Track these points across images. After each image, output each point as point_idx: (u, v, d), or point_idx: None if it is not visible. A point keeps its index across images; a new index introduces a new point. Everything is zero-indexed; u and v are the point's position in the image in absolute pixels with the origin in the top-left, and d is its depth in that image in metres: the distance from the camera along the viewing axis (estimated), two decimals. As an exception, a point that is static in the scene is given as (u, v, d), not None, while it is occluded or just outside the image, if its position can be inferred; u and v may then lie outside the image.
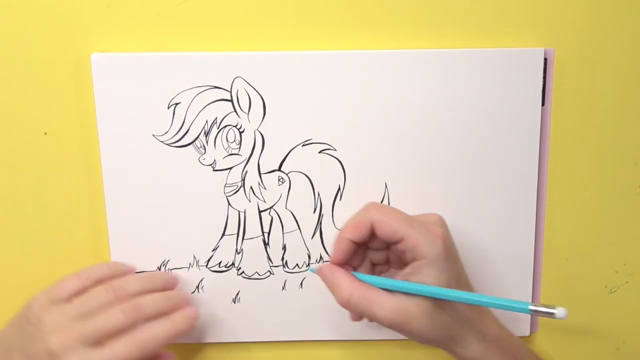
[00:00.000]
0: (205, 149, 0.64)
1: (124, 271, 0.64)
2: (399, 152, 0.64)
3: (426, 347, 0.69)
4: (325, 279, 0.58)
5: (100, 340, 0.57)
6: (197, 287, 0.67)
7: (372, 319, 0.57)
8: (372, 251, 0.61)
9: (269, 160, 0.65)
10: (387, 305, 0.55)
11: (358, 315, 0.62)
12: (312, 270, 0.60)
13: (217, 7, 0.62)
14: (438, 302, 0.56)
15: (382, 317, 0.56)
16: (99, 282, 0.62)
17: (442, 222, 0.60)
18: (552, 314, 0.52)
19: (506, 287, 0.67)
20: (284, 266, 0.67)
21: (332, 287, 0.58)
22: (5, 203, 0.66)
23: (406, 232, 0.56)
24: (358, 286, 0.56)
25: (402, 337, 0.68)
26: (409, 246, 0.56)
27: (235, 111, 0.63)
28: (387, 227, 0.56)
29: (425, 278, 0.56)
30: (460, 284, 0.58)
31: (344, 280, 0.57)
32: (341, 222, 0.65)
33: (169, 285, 0.65)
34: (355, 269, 0.61)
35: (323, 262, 0.67)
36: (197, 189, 0.65)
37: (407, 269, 0.57)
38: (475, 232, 0.66)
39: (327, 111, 0.63)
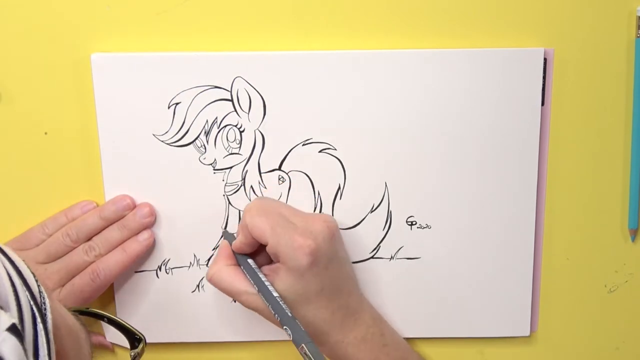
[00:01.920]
0: (205, 148, 0.64)
1: (81, 214, 0.65)
2: (399, 152, 0.64)
3: (426, 346, 0.69)
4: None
5: (63, 280, 0.63)
6: (198, 286, 0.67)
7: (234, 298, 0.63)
8: None
9: (269, 160, 0.65)
10: (245, 295, 0.61)
11: None
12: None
13: (217, 7, 0.62)
14: None
15: (241, 302, 0.62)
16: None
17: (321, 233, 0.60)
18: None
19: (506, 286, 0.67)
20: (284, 265, 0.67)
21: (211, 261, 0.65)
22: (6, 203, 0.66)
23: (270, 239, 0.59)
24: (225, 270, 0.62)
25: (401, 335, 0.68)
26: (272, 252, 0.60)
27: (236, 111, 0.63)
28: (255, 232, 0.60)
29: (279, 282, 0.60)
30: (321, 295, 0.60)
31: (220, 260, 0.62)
32: (342, 221, 0.65)
33: (122, 212, 0.64)
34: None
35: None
36: (198, 188, 0.65)
37: (272, 266, 0.62)
38: (475, 232, 0.66)
39: (327, 111, 0.63)
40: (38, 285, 0.36)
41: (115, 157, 0.64)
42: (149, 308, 0.67)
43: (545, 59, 0.63)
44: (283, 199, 0.65)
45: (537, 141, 0.64)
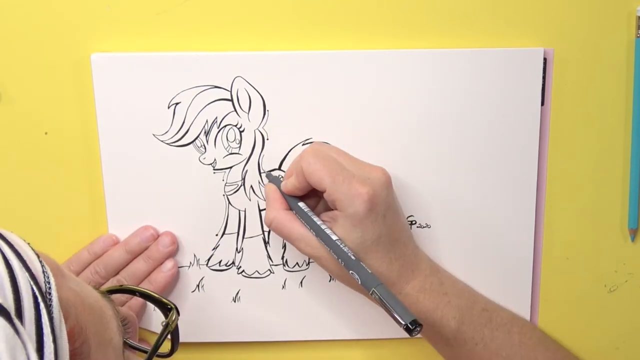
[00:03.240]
0: (205, 148, 0.64)
1: (102, 248, 0.66)
2: (398, 152, 0.64)
3: (427, 346, 0.69)
4: (265, 196, 0.65)
5: None
6: (197, 286, 0.67)
7: (292, 244, 0.62)
8: None
9: (269, 160, 0.65)
10: (306, 240, 0.61)
11: None
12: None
13: (217, 7, 0.62)
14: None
15: (299, 249, 0.62)
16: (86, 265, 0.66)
17: (378, 180, 0.60)
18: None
19: (506, 286, 0.67)
20: (284, 265, 0.67)
21: (266, 206, 0.64)
22: (6, 203, 0.66)
23: (329, 186, 0.59)
24: (283, 215, 0.62)
25: (403, 336, 0.68)
26: (329, 198, 0.60)
27: (236, 110, 0.63)
28: (313, 178, 0.60)
29: (338, 229, 0.59)
30: (378, 244, 0.59)
31: (275, 204, 0.62)
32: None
33: (146, 243, 0.65)
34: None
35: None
36: (198, 188, 0.65)
37: (329, 213, 0.61)
38: (475, 232, 0.66)
39: (327, 111, 0.63)
40: (42, 265, 0.37)
41: (115, 157, 0.64)
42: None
43: (545, 59, 0.63)
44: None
45: (537, 141, 0.64)
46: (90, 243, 0.66)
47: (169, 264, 0.65)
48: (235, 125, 0.64)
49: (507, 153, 0.64)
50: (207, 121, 0.63)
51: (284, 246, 0.66)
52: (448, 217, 0.66)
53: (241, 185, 0.65)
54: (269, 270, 0.67)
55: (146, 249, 0.65)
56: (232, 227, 0.66)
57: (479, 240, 0.66)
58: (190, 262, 0.67)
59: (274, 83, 0.63)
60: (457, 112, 0.63)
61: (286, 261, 0.67)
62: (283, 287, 0.67)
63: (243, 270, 0.67)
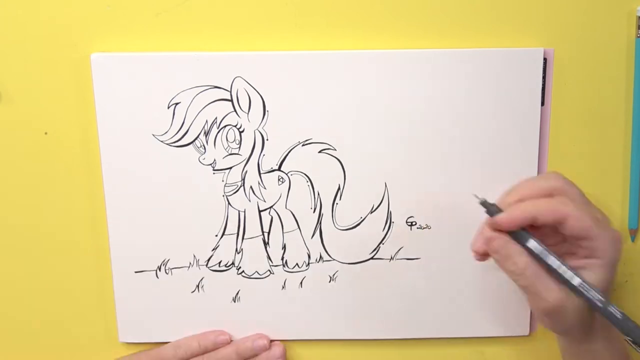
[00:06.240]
0: (205, 148, 0.64)
1: (214, 343, 0.68)
2: (399, 152, 0.64)
3: (427, 347, 0.69)
4: (498, 249, 0.57)
5: None
6: (197, 286, 0.67)
7: (534, 296, 0.56)
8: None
9: (269, 160, 0.65)
10: (553, 292, 0.55)
11: (484, 257, 0.59)
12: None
13: (217, 7, 0.62)
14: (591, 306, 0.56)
15: (545, 300, 0.55)
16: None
17: (610, 221, 0.58)
18: None
19: (506, 286, 0.67)
20: (283, 265, 0.67)
21: (504, 258, 0.56)
22: (6, 203, 0.66)
23: (595, 233, 0.55)
24: (531, 261, 0.55)
25: (402, 336, 0.68)
26: (593, 245, 0.55)
27: (235, 111, 0.63)
28: (579, 225, 0.55)
29: (594, 277, 0.55)
30: (609, 290, 0.57)
31: (518, 252, 0.55)
32: (342, 221, 0.66)
33: (258, 351, 0.68)
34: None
35: (323, 261, 0.67)
36: (197, 188, 0.65)
37: (581, 262, 0.56)
38: (474, 232, 0.66)
39: (327, 111, 0.63)
40: None
41: (115, 157, 0.64)
42: (148, 308, 0.67)
43: (545, 59, 0.63)
44: (282, 199, 0.65)
45: (537, 141, 0.64)
46: (203, 334, 0.68)
47: None
48: (235, 126, 0.64)
49: (507, 153, 0.64)
50: (206, 121, 0.63)
51: (284, 247, 0.66)
52: (448, 217, 0.66)
53: (241, 186, 0.65)
54: (269, 270, 0.67)
55: (255, 356, 0.67)
56: (232, 227, 0.66)
57: (479, 240, 0.66)
58: (190, 263, 0.67)
59: (274, 83, 0.63)
60: (457, 112, 0.63)
61: (286, 262, 0.67)
62: (283, 287, 0.67)
63: (243, 271, 0.67)
